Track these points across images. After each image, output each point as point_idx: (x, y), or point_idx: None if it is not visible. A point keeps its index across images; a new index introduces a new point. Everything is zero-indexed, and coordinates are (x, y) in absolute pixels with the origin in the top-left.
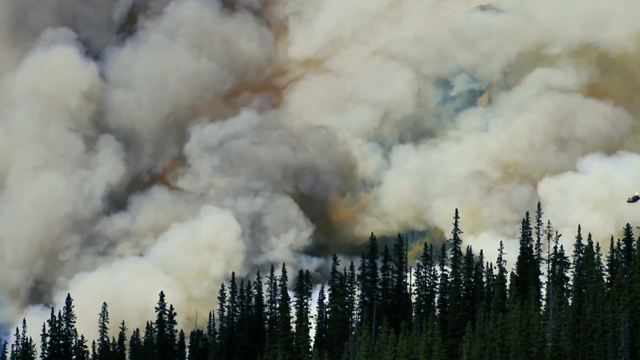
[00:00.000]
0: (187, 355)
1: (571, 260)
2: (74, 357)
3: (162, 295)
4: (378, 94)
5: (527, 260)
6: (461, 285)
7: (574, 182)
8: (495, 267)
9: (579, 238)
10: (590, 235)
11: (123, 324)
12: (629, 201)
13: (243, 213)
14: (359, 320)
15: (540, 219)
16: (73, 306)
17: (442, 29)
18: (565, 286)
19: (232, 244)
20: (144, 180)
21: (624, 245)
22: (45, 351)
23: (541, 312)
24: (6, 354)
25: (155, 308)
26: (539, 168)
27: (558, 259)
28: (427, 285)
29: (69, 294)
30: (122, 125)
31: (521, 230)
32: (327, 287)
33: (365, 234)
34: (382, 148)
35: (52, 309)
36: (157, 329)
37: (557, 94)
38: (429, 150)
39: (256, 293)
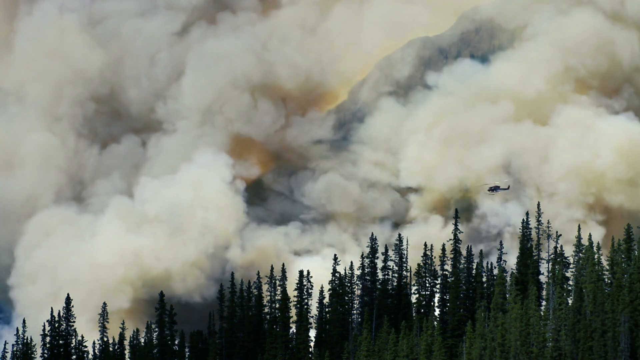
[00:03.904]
0: (187, 355)
1: (571, 260)
2: (74, 357)
3: (161, 295)
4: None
5: (527, 260)
6: (461, 285)
7: None
8: (495, 267)
9: (578, 238)
10: (590, 235)
11: (123, 323)
12: (489, 190)
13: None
14: (359, 320)
15: (540, 218)
16: (72, 306)
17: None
18: (565, 286)
19: None
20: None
21: (624, 245)
22: (45, 351)
23: (541, 312)
24: (6, 354)
25: (155, 308)
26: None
27: (558, 259)
28: (427, 285)
29: (68, 294)
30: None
31: (521, 230)
32: (327, 287)
33: None
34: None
35: (52, 308)
36: (157, 329)
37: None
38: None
39: (256, 293)
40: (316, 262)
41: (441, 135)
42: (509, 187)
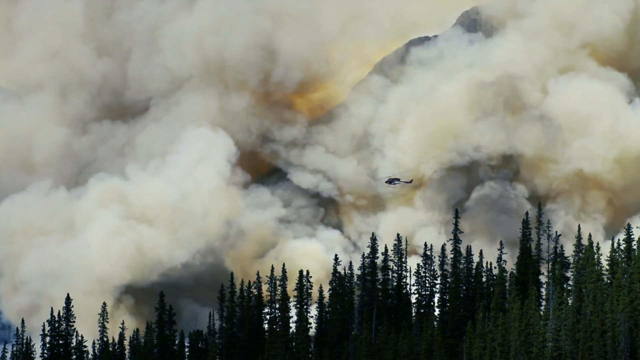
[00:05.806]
0: (187, 355)
1: (571, 260)
2: (74, 357)
3: (161, 295)
4: None
5: (527, 260)
6: (461, 285)
7: None
8: (495, 267)
9: (578, 238)
10: (590, 235)
11: (123, 323)
12: (387, 182)
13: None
14: (359, 320)
15: (540, 218)
16: (72, 306)
17: None
18: (565, 286)
19: None
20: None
21: (624, 245)
22: (45, 351)
23: (541, 312)
24: (6, 354)
25: (155, 308)
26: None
27: (558, 259)
28: (427, 285)
29: (68, 294)
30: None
31: (521, 230)
32: (327, 287)
33: None
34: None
35: (52, 308)
36: (157, 329)
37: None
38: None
39: (256, 293)
40: (312, 246)
41: (432, 121)
42: (411, 180)
